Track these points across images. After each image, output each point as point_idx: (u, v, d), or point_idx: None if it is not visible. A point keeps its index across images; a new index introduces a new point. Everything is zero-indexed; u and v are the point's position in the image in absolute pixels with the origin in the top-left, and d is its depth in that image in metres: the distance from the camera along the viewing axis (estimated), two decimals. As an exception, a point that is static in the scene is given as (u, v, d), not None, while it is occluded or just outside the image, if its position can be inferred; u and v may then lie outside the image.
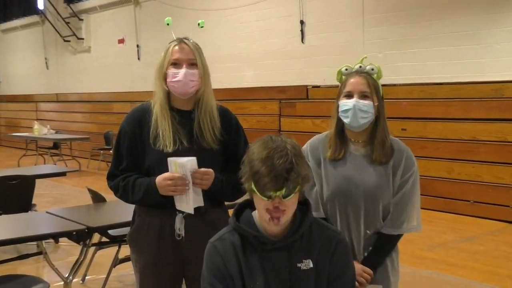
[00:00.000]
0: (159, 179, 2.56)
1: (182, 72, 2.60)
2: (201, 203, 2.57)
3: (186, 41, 2.66)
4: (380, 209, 2.51)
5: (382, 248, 2.53)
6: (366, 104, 2.45)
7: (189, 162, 2.51)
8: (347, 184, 2.49)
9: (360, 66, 2.52)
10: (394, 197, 2.51)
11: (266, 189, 1.86)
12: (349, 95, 2.48)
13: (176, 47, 2.65)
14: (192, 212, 2.55)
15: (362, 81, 2.48)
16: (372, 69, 2.52)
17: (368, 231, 2.51)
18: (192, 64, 2.63)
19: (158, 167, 2.59)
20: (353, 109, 2.45)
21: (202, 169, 2.54)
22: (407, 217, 2.52)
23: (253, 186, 1.89)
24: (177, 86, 2.62)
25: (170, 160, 2.53)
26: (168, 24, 2.76)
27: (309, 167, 2.53)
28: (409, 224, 2.54)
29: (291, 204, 1.92)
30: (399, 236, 2.56)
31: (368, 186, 2.48)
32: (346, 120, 2.49)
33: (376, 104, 2.48)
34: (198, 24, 2.86)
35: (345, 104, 2.48)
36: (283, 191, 1.86)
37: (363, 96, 2.46)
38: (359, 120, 2.46)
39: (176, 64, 2.63)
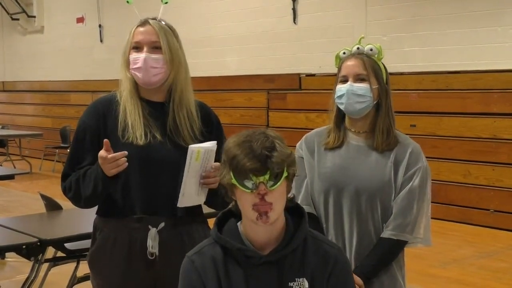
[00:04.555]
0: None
1: (141, 57, 2.62)
2: (202, 200, 2.64)
3: (151, 21, 2.67)
4: (378, 208, 2.55)
5: (379, 255, 2.54)
6: (362, 87, 2.56)
7: (214, 147, 2.56)
8: (340, 175, 2.58)
9: (358, 48, 2.63)
10: (397, 196, 2.55)
11: (247, 175, 1.89)
12: (344, 80, 2.60)
13: (139, 29, 2.66)
14: (201, 202, 2.64)
15: (358, 62, 2.59)
16: (371, 50, 2.62)
17: (361, 234, 2.54)
18: (155, 48, 2.64)
19: (129, 162, 2.52)
20: (346, 94, 2.56)
21: (216, 163, 2.53)
22: (411, 222, 2.54)
23: (232, 177, 1.92)
24: (138, 74, 2.63)
25: (192, 147, 2.51)
26: (128, 2, 2.77)
27: (302, 159, 2.65)
28: (414, 233, 2.56)
29: (279, 197, 1.93)
30: (401, 244, 2.56)
31: (362, 177, 2.55)
32: (341, 107, 2.60)
33: (375, 87, 2.57)
34: (161, 0, 2.85)
35: (340, 89, 2.59)
36: (267, 175, 1.89)
37: (359, 79, 2.57)
38: (355, 105, 2.57)
39: (137, 48, 2.65)
